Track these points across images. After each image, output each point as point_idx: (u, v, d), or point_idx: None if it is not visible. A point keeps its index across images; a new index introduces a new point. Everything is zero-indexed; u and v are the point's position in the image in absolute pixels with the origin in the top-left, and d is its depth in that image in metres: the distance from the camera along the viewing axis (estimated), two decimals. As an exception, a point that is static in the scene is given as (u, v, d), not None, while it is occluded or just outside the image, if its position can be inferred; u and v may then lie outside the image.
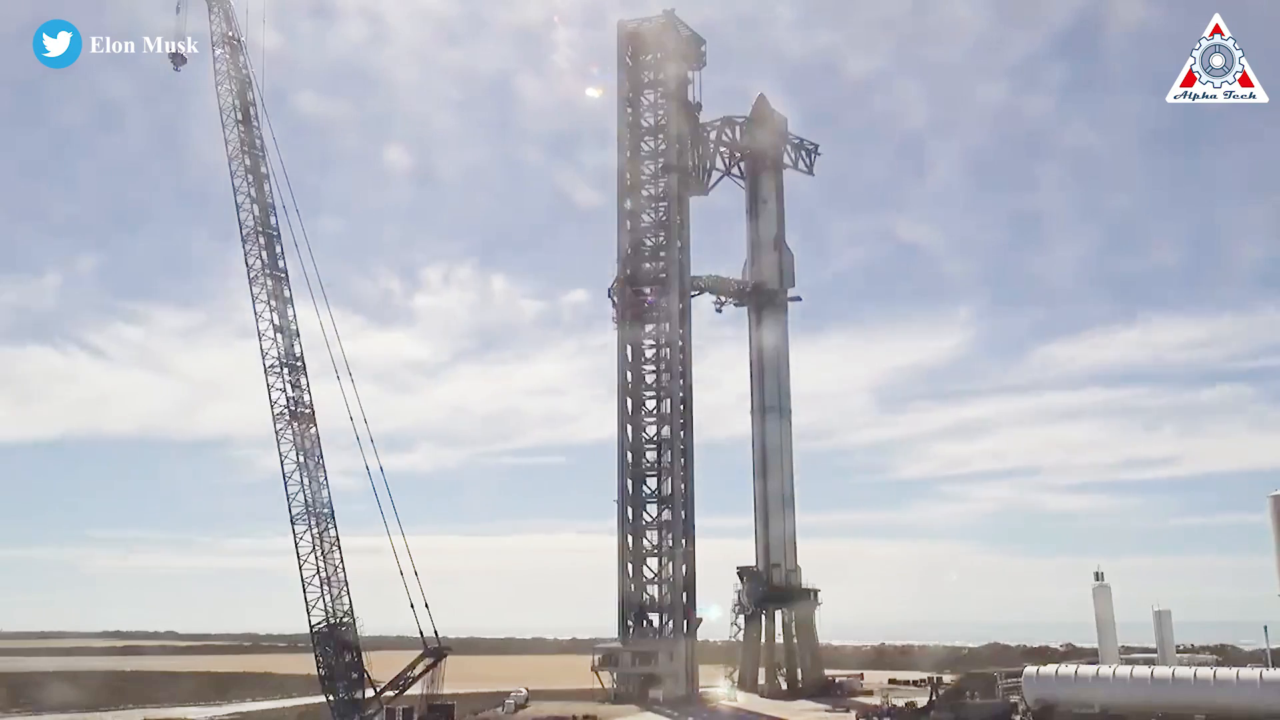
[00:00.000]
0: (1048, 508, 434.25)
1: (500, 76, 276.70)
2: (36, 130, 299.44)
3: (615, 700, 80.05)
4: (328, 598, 59.16)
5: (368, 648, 60.83)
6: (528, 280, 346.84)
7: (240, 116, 62.18)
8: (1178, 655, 71.98)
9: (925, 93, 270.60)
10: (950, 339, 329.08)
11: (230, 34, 62.56)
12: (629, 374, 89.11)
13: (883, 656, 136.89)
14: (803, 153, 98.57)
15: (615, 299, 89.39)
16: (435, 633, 60.69)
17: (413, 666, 61.42)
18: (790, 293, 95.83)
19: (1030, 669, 63.90)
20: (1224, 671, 58.46)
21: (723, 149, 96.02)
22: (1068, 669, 62.59)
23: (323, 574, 59.14)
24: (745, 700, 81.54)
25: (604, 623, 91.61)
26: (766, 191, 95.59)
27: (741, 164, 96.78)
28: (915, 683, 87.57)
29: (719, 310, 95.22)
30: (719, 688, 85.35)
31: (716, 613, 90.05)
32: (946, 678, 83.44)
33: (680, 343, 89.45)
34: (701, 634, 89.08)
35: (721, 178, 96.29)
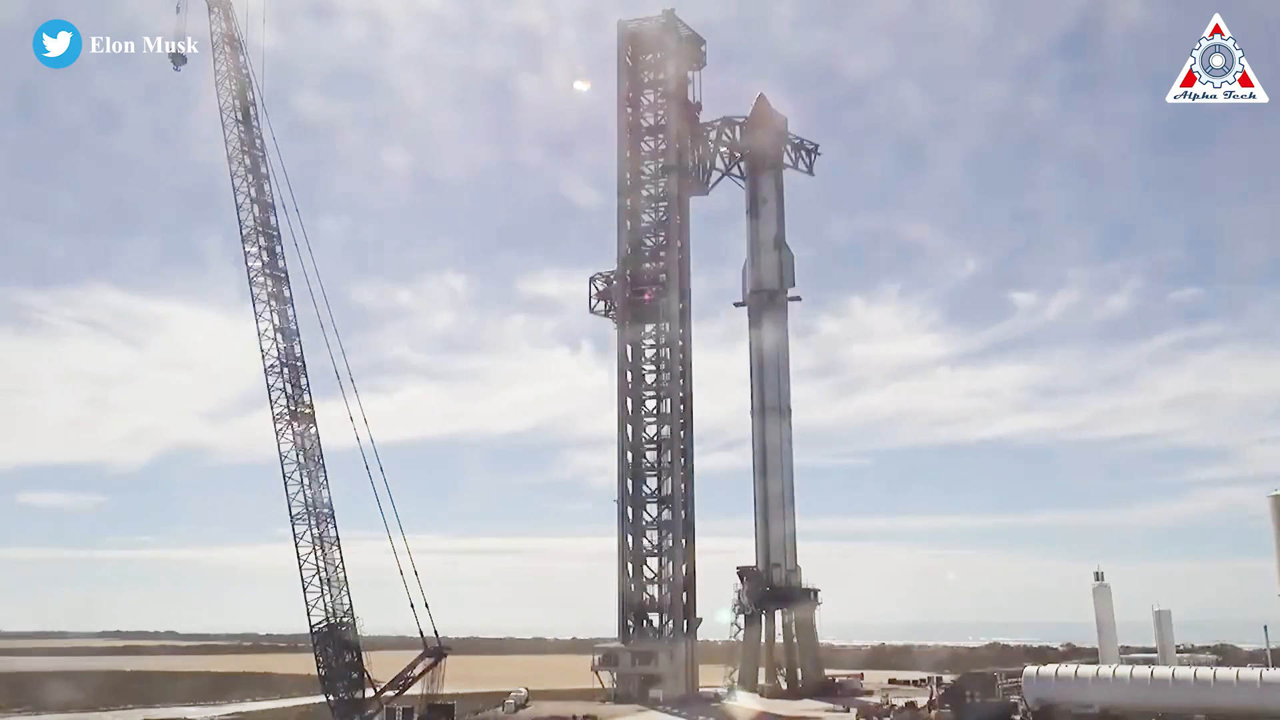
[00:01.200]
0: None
1: (500, 76, 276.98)
2: (36, 130, 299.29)
3: (616, 700, 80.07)
4: (328, 597, 59.22)
5: (368, 648, 60.86)
6: (527, 280, 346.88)
7: (240, 116, 62.28)
8: (1178, 655, 72.00)
9: (925, 93, 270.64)
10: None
11: (230, 34, 62.61)
12: (629, 374, 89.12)
13: (883, 656, 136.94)
14: (803, 153, 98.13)
15: (615, 299, 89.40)
16: (435, 633, 60.76)
17: (413, 666, 61.45)
18: (790, 292, 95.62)
19: (1030, 669, 63.87)
20: (1224, 671, 58.46)
21: (723, 149, 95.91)
22: (1068, 669, 62.59)
23: (323, 574, 59.17)
24: (746, 700, 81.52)
25: (604, 623, 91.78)
26: (766, 191, 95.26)
27: (741, 164, 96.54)
28: (915, 683, 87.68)
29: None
30: (720, 687, 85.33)
31: (728, 617, 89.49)
32: (946, 678, 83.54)
33: (680, 343, 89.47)
34: (701, 634, 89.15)
35: (721, 178, 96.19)
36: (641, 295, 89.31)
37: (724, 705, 79.53)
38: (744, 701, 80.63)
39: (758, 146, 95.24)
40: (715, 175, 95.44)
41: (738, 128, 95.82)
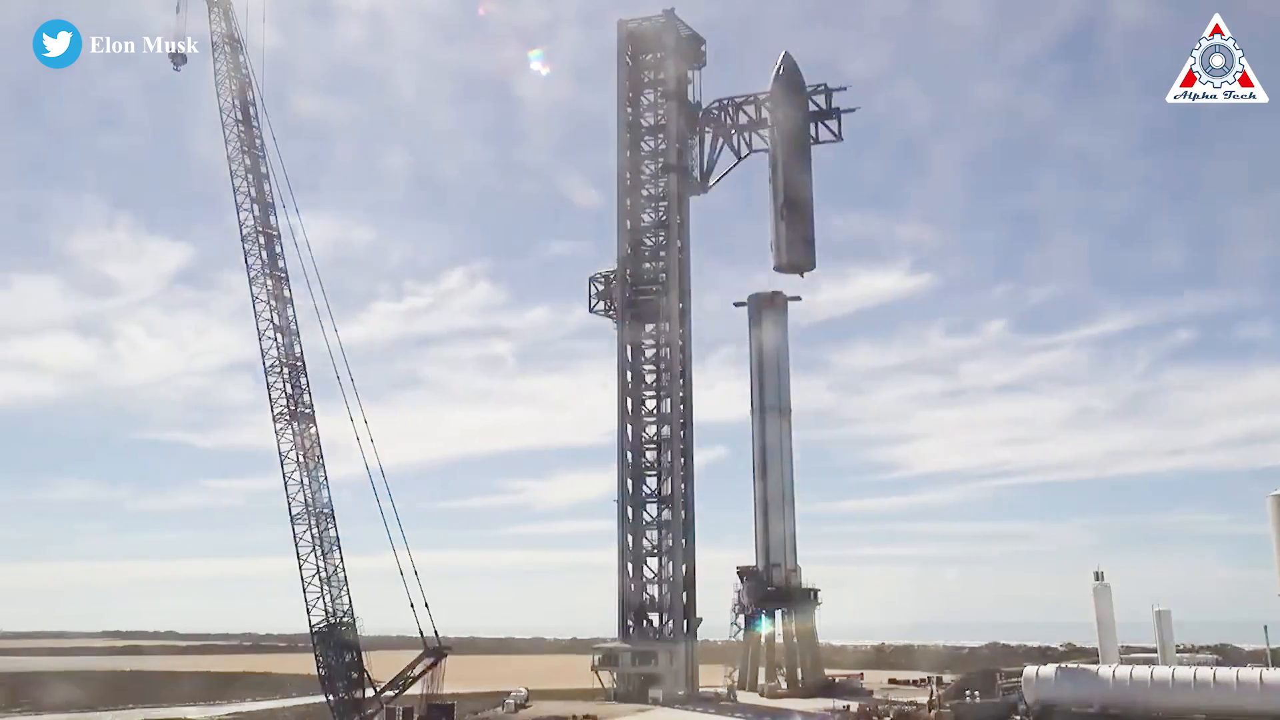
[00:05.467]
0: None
1: (500, 76, 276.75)
2: (36, 130, 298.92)
3: (616, 700, 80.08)
4: (328, 597, 59.10)
5: (368, 648, 60.77)
6: (527, 280, 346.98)
7: (240, 116, 62.17)
8: (1178, 655, 72.05)
9: (925, 93, 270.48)
10: None
11: (230, 33, 62.59)
12: (629, 374, 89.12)
13: (883, 656, 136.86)
14: (825, 121, 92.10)
15: (615, 299, 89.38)
16: (435, 632, 60.69)
17: (413, 666, 61.34)
18: (789, 292, 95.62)
19: (1030, 669, 63.97)
20: (1224, 672, 58.52)
21: (735, 132, 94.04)
22: (1068, 669, 62.67)
23: (323, 574, 59.10)
24: (748, 699, 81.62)
25: (604, 623, 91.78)
26: (787, 155, 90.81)
27: (761, 133, 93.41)
28: (915, 682, 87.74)
29: None
30: (721, 687, 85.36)
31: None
32: (946, 677, 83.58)
33: (680, 343, 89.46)
34: (701, 634, 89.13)
35: (724, 176, 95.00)
36: (641, 295, 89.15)
37: (725, 699, 79.72)
38: (744, 699, 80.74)
39: (780, 110, 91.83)
40: (716, 173, 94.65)
41: (745, 109, 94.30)
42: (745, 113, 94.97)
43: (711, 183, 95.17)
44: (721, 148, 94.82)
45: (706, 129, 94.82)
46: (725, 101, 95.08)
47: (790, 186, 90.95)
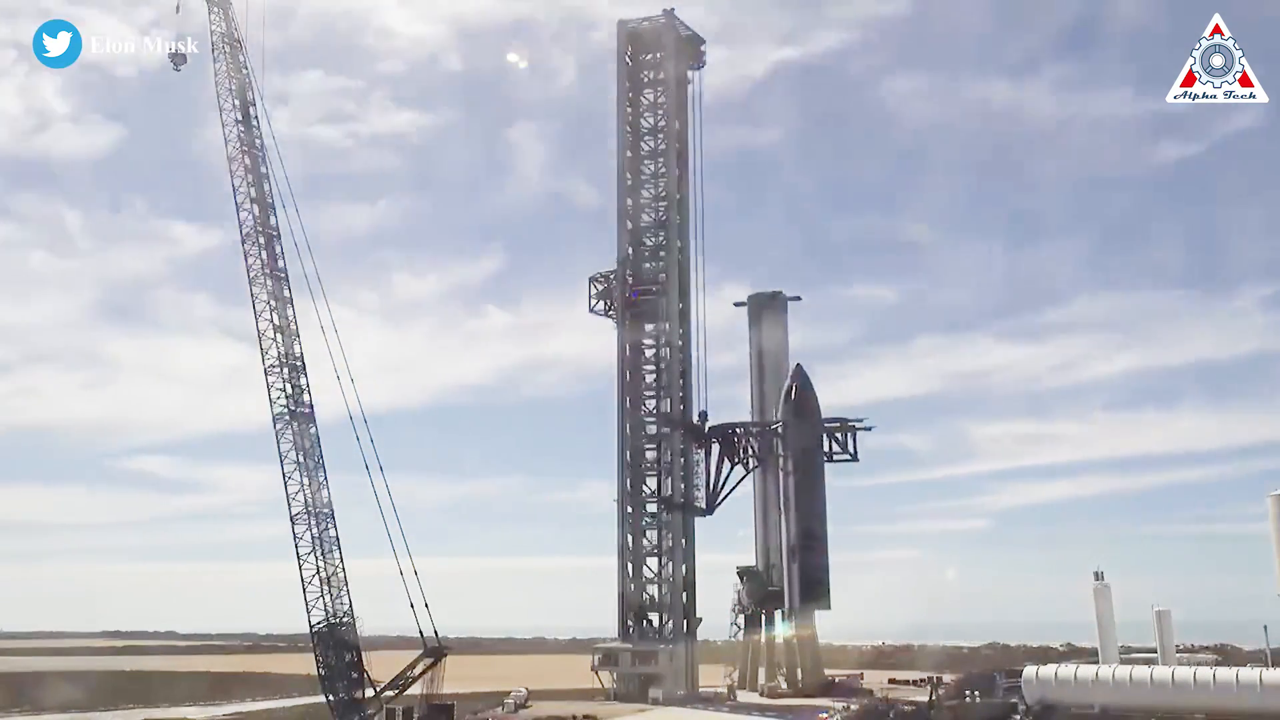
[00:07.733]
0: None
1: (500, 76, 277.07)
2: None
3: (617, 700, 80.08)
4: (328, 597, 59.13)
5: (368, 648, 60.80)
6: (526, 281, 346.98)
7: (240, 116, 62.25)
8: (1178, 655, 72.06)
9: (925, 93, 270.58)
10: None
11: (230, 33, 62.65)
12: (629, 374, 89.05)
13: (882, 656, 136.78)
14: (841, 444, 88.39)
15: (615, 299, 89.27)
16: (435, 632, 60.73)
17: (413, 666, 61.40)
18: (789, 292, 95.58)
19: (1030, 669, 64.01)
20: (1224, 672, 58.57)
21: (740, 446, 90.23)
22: (1068, 669, 62.72)
23: (323, 574, 59.12)
24: (749, 699, 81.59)
25: (604, 623, 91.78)
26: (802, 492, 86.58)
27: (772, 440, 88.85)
28: (915, 682, 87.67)
29: None
30: (720, 687, 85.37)
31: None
32: (946, 677, 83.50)
33: (680, 343, 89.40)
34: (701, 634, 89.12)
35: (728, 494, 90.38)
36: (641, 294, 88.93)
37: (728, 699, 79.80)
38: (744, 699, 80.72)
39: (791, 439, 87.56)
40: (722, 493, 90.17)
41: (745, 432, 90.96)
42: (751, 432, 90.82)
43: (718, 502, 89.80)
44: (732, 469, 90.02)
45: (714, 441, 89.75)
46: (732, 426, 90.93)
47: (803, 520, 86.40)
